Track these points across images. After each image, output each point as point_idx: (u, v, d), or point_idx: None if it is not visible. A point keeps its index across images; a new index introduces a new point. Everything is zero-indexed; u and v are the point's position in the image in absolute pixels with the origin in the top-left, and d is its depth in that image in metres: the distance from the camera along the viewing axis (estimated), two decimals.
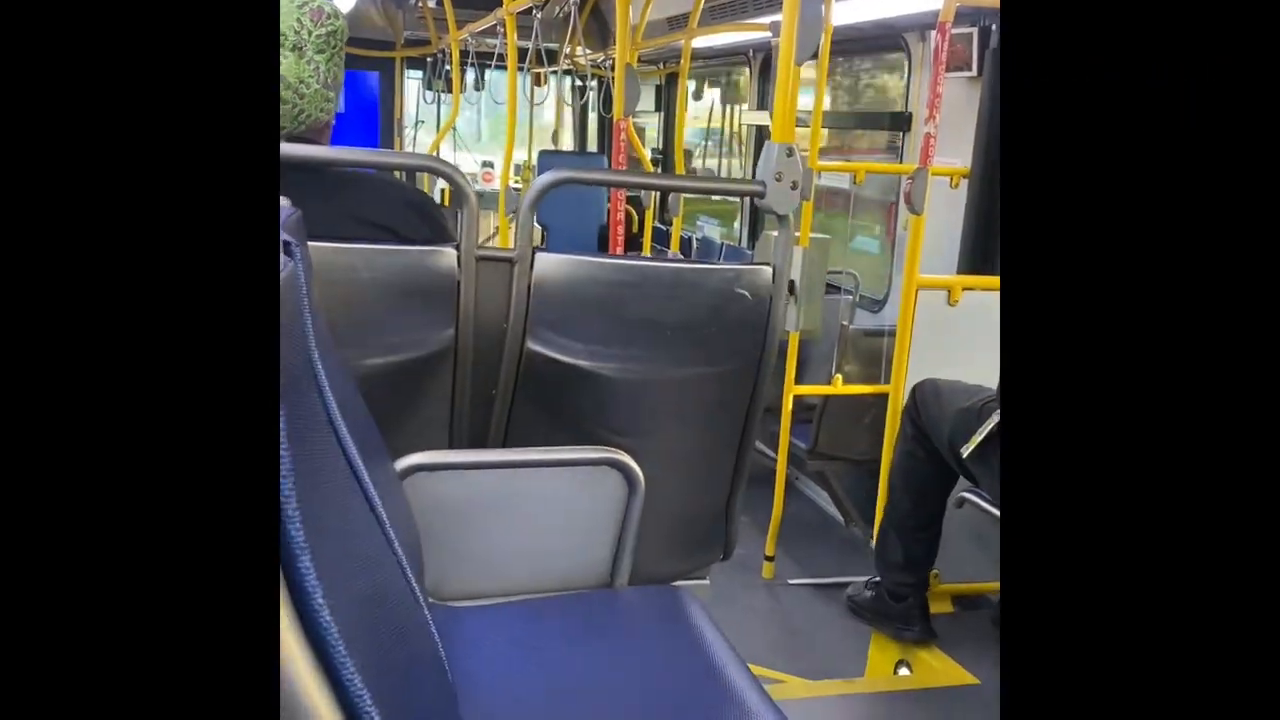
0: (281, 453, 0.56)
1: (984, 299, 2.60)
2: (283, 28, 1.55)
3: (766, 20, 3.52)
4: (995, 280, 2.64)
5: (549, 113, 7.30)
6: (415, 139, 7.10)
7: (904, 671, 2.47)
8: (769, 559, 3.08)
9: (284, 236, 0.99)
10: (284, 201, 1.28)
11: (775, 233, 1.74)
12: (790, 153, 1.63)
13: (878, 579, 2.62)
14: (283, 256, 0.94)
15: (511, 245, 1.63)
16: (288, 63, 1.56)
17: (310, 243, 1.33)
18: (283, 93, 1.56)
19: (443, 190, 6.30)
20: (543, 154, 6.50)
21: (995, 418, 2.13)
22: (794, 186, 1.66)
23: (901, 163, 3.71)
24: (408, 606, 0.97)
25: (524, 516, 1.63)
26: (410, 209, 1.70)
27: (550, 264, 1.63)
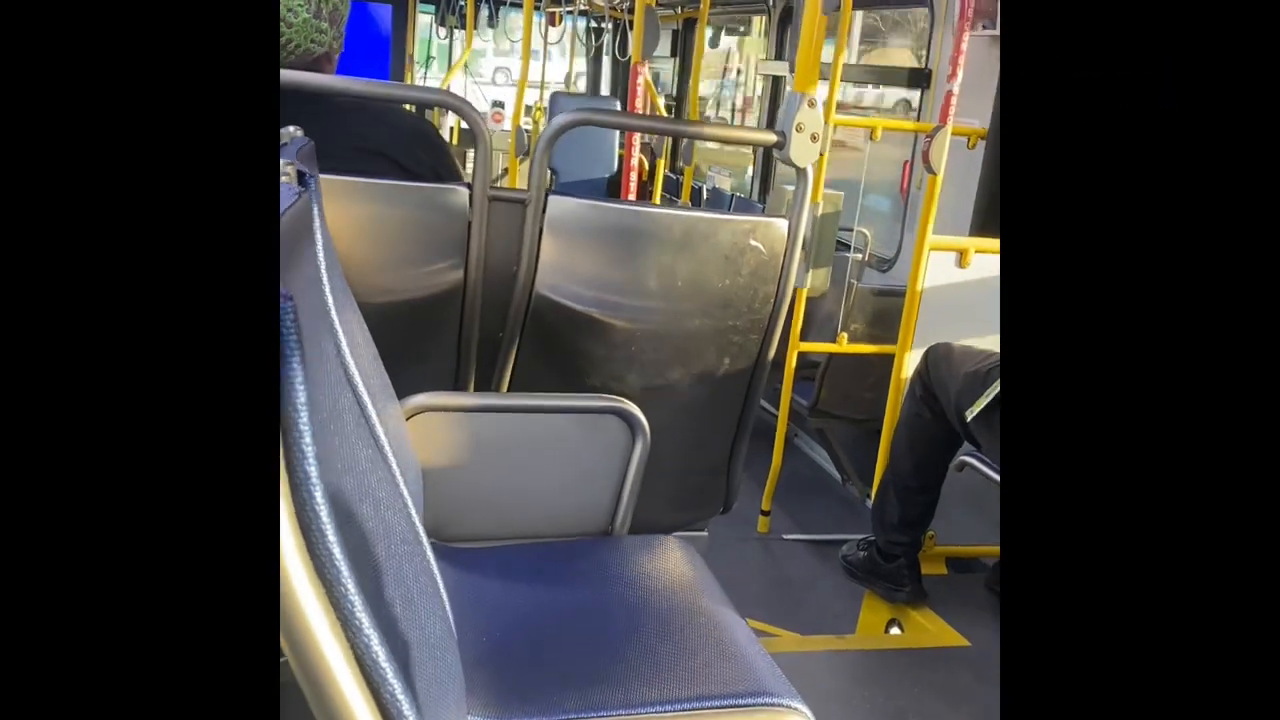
0: (297, 387, 0.55)
1: (996, 262, 2.58)
2: None
3: None
4: None
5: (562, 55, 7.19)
6: (426, 76, 7.00)
7: (895, 631, 2.49)
8: (764, 513, 3.09)
9: (299, 166, 0.97)
10: (296, 130, 1.25)
11: (791, 186, 1.71)
12: (813, 103, 1.60)
13: (871, 539, 2.64)
14: (296, 186, 0.92)
15: (520, 186, 1.60)
16: None
17: (322, 175, 1.30)
18: None
19: (452, 128, 6.23)
20: (555, 95, 6.41)
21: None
22: (814, 139, 1.64)
23: (919, 121, 3.65)
24: (410, 544, 0.97)
25: (526, 461, 1.63)
26: (414, 139, 1.66)
27: (563, 207, 1.60)
